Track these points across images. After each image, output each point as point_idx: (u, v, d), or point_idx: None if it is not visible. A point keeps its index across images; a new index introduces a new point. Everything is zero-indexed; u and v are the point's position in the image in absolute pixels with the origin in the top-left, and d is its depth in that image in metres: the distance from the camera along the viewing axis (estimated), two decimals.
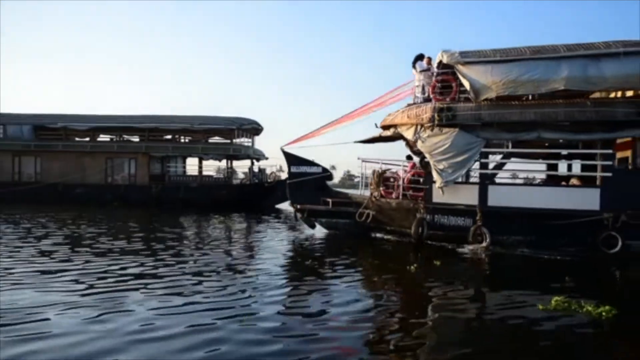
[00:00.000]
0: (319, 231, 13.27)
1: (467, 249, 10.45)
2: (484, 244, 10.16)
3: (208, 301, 5.64)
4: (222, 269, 7.71)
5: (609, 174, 9.90)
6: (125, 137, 27.02)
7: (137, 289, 6.17)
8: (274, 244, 11.06)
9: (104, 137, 27.12)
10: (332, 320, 5.11)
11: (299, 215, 13.14)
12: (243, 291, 6.23)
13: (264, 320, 4.99)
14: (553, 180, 12.41)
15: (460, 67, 10.44)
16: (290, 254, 10.15)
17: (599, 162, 10.15)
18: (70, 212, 17.64)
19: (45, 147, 25.01)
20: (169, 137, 26.61)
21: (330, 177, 13.49)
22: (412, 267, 8.11)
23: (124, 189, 23.96)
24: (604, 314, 5.40)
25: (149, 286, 6.36)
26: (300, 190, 12.87)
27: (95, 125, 25.42)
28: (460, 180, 10.73)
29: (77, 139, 26.47)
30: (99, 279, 6.73)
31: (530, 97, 10.75)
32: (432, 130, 10.50)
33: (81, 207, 20.51)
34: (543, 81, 9.85)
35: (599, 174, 10.06)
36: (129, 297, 5.76)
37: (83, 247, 9.69)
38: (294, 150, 13.07)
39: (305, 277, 7.46)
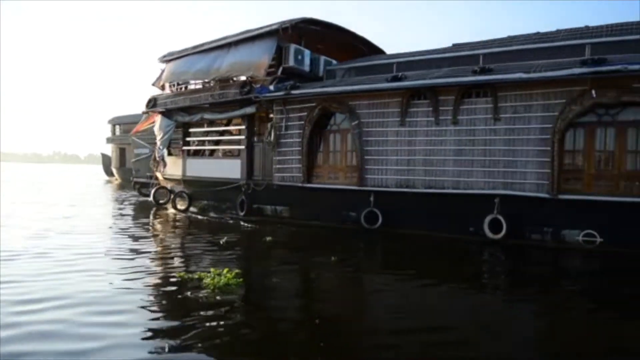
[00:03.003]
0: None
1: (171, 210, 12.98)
2: (182, 207, 12.67)
3: None
4: None
5: (243, 147, 11.29)
6: None
7: None
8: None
9: None
10: None
11: (135, 187, 17.15)
12: None
13: None
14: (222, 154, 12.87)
15: (163, 64, 12.99)
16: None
17: (239, 137, 11.56)
18: None
19: None
20: None
21: None
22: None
23: None
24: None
25: None
26: (138, 167, 16.86)
27: None
28: (179, 154, 13.29)
29: None
30: None
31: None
32: (148, 115, 13.39)
33: None
34: (204, 72, 11.73)
35: (237, 147, 11.51)
36: None
37: None
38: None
39: None
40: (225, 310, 4.33)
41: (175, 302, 4.68)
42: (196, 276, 5.23)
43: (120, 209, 13.50)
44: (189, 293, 4.77)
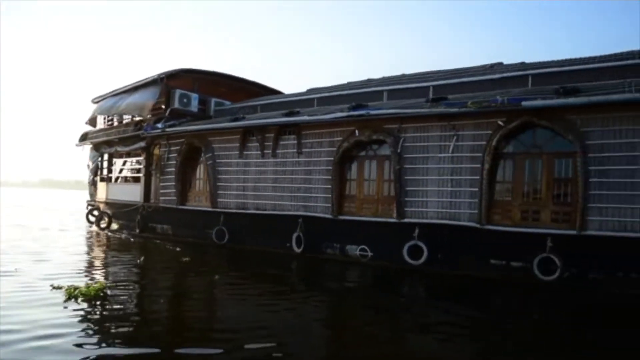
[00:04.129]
0: None
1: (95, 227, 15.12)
2: (104, 225, 14.83)
3: None
4: None
5: (142, 175, 13.40)
6: None
7: None
8: None
9: None
10: None
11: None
12: None
13: None
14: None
15: (94, 104, 15.43)
16: None
17: (140, 167, 13.68)
18: None
19: None
20: None
21: None
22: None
23: None
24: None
25: None
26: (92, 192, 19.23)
27: None
28: (106, 180, 15.54)
29: None
30: None
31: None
32: (83, 147, 15.79)
33: None
34: (108, 110, 14.09)
35: (138, 175, 13.63)
36: None
37: None
38: None
39: None
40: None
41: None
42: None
43: (61, 230, 15.71)
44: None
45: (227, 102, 13.86)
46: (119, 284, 6.87)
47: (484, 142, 7.68)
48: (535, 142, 7.55)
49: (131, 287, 6.82)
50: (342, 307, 6.32)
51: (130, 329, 4.83)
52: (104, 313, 5.36)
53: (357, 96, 10.29)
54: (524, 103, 7.10)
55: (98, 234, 13.78)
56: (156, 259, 9.73)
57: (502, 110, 7.35)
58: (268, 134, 10.41)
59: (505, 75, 8.72)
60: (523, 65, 9.07)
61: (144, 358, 4.00)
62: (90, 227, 15.36)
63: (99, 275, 7.70)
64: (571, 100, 6.77)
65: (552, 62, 8.73)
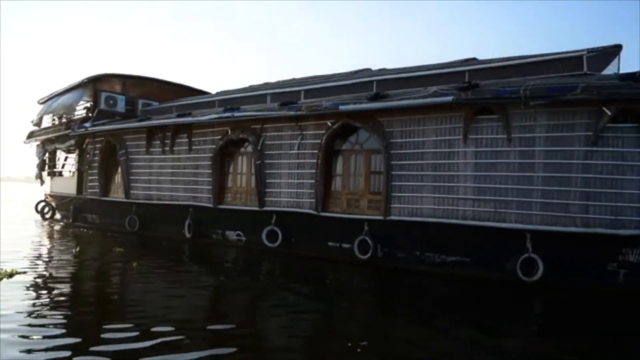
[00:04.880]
0: None
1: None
2: (48, 216, 16.22)
3: None
4: None
5: (75, 169, 14.74)
6: None
7: None
8: None
9: None
10: None
11: None
12: None
13: None
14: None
15: (40, 105, 16.77)
16: None
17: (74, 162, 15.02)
18: None
19: None
20: None
21: None
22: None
23: None
24: None
25: None
26: None
27: None
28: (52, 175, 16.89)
29: None
30: None
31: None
32: (30, 144, 17.14)
33: None
34: (45, 110, 15.46)
35: (74, 169, 15.00)
36: None
37: None
38: None
39: None
40: None
41: None
42: None
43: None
44: None
45: (156, 103, 15.13)
46: (32, 268, 7.45)
47: (319, 141, 8.91)
48: (358, 141, 8.78)
49: (43, 272, 7.38)
50: (209, 283, 7.39)
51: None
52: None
53: (279, 95, 11.10)
54: (340, 107, 8.32)
55: (42, 224, 15.17)
56: (84, 247, 10.89)
57: (327, 113, 8.58)
58: (167, 132, 11.68)
59: (354, 81, 9.93)
60: (378, 72, 10.30)
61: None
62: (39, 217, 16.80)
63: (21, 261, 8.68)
64: (371, 105, 8.00)
65: (396, 69, 9.93)
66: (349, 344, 4.29)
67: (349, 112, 8.34)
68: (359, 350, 4.21)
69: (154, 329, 4.48)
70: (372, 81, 9.75)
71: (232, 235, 10.48)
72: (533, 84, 6.96)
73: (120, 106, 14.40)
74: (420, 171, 7.81)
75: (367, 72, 10.75)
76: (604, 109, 6.44)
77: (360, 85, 9.85)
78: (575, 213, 6.64)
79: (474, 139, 7.36)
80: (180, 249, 10.52)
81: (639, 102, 6.27)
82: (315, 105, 8.73)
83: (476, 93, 7.19)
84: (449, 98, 7.24)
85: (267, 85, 12.65)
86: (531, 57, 8.09)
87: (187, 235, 10.95)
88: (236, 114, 9.87)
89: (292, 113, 8.95)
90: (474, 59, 9.50)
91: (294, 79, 12.34)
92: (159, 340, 4.17)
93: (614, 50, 8.25)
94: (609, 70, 8.10)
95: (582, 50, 7.60)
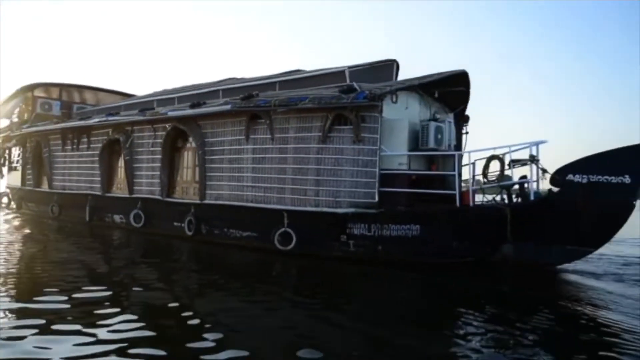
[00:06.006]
0: None
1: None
2: (4, 205, 18.86)
3: None
4: None
5: (20, 165, 17.25)
6: None
7: None
8: None
9: None
10: None
11: None
12: None
13: None
14: None
15: None
16: None
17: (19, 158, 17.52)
18: None
19: None
20: None
21: None
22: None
23: None
24: None
25: None
26: None
27: None
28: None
29: None
30: None
31: None
32: None
33: None
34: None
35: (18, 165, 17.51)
36: None
37: None
38: None
39: None
40: None
41: None
42: None
43: None
44: None
45: (89, 106, 17.48)
46: None
47: (160, 140, 11.02)
48: (190, 140, 10.83)
49: None
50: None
51: None
52: None
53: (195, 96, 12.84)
54: (169, 114, 10.40)
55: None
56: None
57: (159, 119, 10.78)
58: (73, 133, 13.97)
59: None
60: (229, 80, 12.43)
61: None
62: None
63: None
64: (181, 112, 10.09)
65: (243, 79, 11.96)
66: (176, 291, 6.35)
67: (176, 118, 10.41)
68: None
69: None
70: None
71: (117, 218, 12.69)
72: (303, 94, 8.87)
73: (56, 110, 16.79)
74: (222, 164, 9.82)
75: (230, 80, 12.76)
76: (328, 114, 8.32)
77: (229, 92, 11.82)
78: (310, 196, 8.55)
79: (252, 139, 9.33)
80: (82, 231, 12.76)
81: (346, 109, 8.12)
82: (155, 111, 10.82)
83: (248, 102, 9.16)
84: (228, 107, 9.24)
85: (174, 90, 14.72)
86: (309, 72, 10.00)
87: (87, 219, 13.22)
88: (110, 118, 12.06)
89: (142, 118, 11.09)
90: (298, 70, 11.38)
91: (193, 85, 14.39)
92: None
93: (388, 63, 10.03)
94: (381, 80, 9.84)
95: (344, 67, 9.46)
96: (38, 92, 16.66)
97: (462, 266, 7.67)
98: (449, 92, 9.68)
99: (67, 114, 17.00)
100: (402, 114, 8.60)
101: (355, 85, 8.30)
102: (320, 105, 8.28)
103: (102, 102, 17.64)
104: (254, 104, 9.03)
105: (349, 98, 8.05)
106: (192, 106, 10.27)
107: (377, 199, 8.07)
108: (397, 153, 8.36)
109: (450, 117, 10.08)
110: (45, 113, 16.57)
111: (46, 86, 16.84)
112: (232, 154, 9.64)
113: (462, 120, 10.56)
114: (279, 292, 6.44)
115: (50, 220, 14.46)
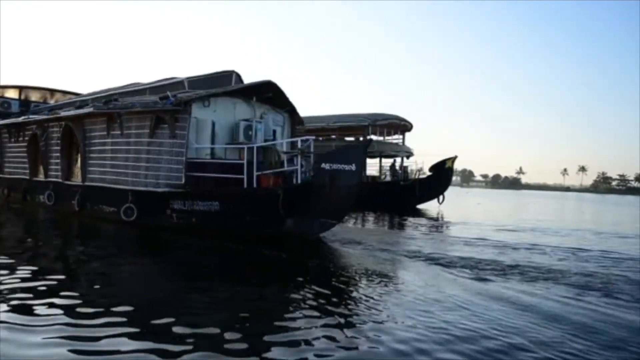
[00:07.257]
0: None
1: None
2: None
3: None
4: None
5: None
6: None
7: None
8: None
9: None
10: None
11: None
12: None
13: None
14: None
15: None
16: None
17: None
18: None
19: None
20: None
21: None
22: None
23: None
24: None
25: None
26: None
27: None
28: None
29: None
30: None
31: None
32: None
33: None
34: None
35: None
36: None
37: None
38: None
39: None
40: None
41: None
42: None
43: None
44: None
45: (45, 104, 20.44)
46: None
47: (59, 135, 13.77)
48: None
49: None
50: None
51: None
52: None
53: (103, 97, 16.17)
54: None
55: None
56: None
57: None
58: (15, 128, 16.89)
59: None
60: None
61: None
62: None
63: None
64: None
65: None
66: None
67: (68, 117, 13.15)
68: None
69: None
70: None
71: (41, 198, 15.54)
72: (138, 100, 11.41)
73: (15, 108, 19.83)
74: (94, 154, 12.47)
75: (132, 85, 15.44)
76: (153, 116, 10.84)
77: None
78: (142, 179, 11.11)
79: (111, 134, 11.92)
80: (18, 209, 15.72)
81: (165, 112, 10.60)
82: (56, 111, 13.60)
83: (105, 106, 11.77)
84: (91, 109, 11.87)
85: (93, 92, 17.39)
86: (153, 83, 12.54)
87: (25, 199, 16.17)
88: (31, 116, 14.94)
89: (47, 117, 13.92)
90: (174, 77, 13.85)
91: (108, 88, 17.09)
92: None
93: (227, 74, 12.43)
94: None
95: (183, 78, 11.94)
96: (3, 92, 19.74)
97: (267, 237, 9.67)
98: (277, 95, 12.06)
99: (25, 112, 20.02)
100: (210, 115, 10.99)
101: (169, 94, 10.76)
102: (144, 109, 10.81)
103: (59, 101, 20.58)
104: (107, 107, 11.63)
105: (162, 104, 10.54)
106: (77, 108, 12.94)
107: (184, 181, 10.53)
108: (202, 146, 10.80)
109: (280, 116, 12.45)
110: (4, 111, 19.61)
111: (5, 87, 19.88)
112: (100, 146, 12.27)
113: (295, 117, 12.90)
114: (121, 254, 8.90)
115: (1, 201, 17.54)
